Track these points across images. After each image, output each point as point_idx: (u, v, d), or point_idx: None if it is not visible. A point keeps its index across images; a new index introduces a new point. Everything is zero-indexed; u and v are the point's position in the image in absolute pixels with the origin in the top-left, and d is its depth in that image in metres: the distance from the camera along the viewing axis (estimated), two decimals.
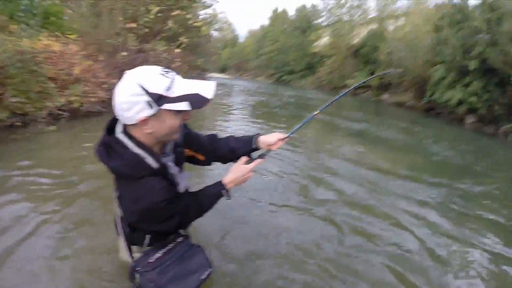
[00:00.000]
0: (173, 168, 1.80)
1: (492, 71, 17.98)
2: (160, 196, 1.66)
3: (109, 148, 1.68)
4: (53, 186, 4.65)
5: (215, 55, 26.30)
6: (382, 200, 5.16)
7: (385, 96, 29.97)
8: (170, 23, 14.12)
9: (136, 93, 1.51)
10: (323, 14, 47.36)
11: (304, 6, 54.00)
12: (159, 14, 13.97)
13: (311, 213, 4.44)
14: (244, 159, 2.13)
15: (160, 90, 1.53)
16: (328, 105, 2.66)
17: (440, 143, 10.89)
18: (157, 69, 1.59)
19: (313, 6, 52.56)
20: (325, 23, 46.78)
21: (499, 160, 10.09)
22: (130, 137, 1.68)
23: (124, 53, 12.70)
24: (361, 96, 32.33)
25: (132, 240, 2.03)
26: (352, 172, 6.51)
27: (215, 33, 23.71)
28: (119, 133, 1.69)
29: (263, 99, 20.51)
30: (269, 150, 2.28)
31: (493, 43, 17.68)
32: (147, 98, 1.52)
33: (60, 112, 9.14)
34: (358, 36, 39.26)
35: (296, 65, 47.84)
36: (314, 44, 47.16)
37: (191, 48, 17.90)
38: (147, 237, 1.99)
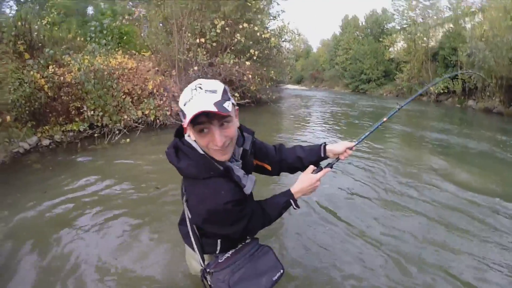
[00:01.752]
0: (238, 170, 1.76)
1: None
2: (226, 197, 1.65)
3: (178, 150, 1.73)
4: (128, 192, 5.06)
5: (288, 66, 26.13)
6: (468, 229, 4.15)
7: (470, 102, 26.46)
8: (238, 36, 14.24)
9: (181, 102, 1.57)
10: (395, 17, 44.96)
11: (374, 11, 51.97)
12: (226, 28, 14.20)
13: (390, 249, 3.66)
14: (311, 168, 2.06)
15: (181, 104, 1.57)
16: (396, 112, 2.52)
17: None
18: (196, 82, 1.59)
19: (384, 10, 50.20)
20: (398, 27, 44.45)
21: None
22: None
23: (195, 68, 12.99)
24: (444, 104, 29.39)
25: (203, 248, 2.02)
26: (437, 192, 5.44)
27: (287, 45, 23.50)
28: (187, 136, 1.74)
29: (339, 110, 20.02)
30: (337, 159, 2.20)
31: None
32: (180, 109, 1.59)
33: (136, 125, 9.71)
34: (434, 38, 36.83)
35: (372, 73, 45.06)
36: (388, 50, 45.20)
37: (262, 61, 17.95)
38: (219, 242, 1.99)
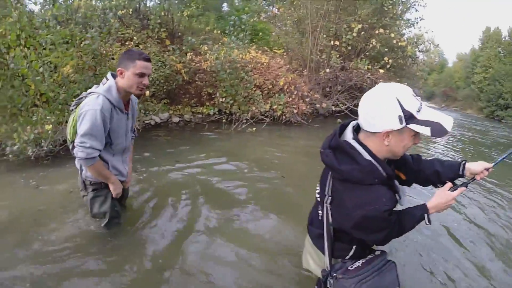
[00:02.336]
0: (395, 181, 1.85)
1: None
2: (386, 205, 1.69)
3: (339, 152, 1.78)
4: (254, 174, 5.37)
5: (422, 79, 24.56)
6: None
7: None
8: (373, 42, 13.61)
9: (393, 106, 1.59)
10: None
11: None
12: (362, 33, 13.69)
13: None
14: (449, 185, 1.98)
15: (413, 109, 1.60)
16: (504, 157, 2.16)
17: None
18: (409, 90, 1.66)
19: None
20: None
21: None
22: (361, 144, 1.74)
23: (327, 70, 12.66)
24: None
25: (334, 252, 2.04)
26: None
27: (421, 56, 22.10)
28: (350, 139, 1.77)
29: (468, 134, 18.12)
30: (472, 179, 2.06)
31: None
32: (400, 113, 1.59)
33: (262, 117, 9.97)
34: None
35: None
36: None
37: (395, 70, 17.04)
38: (354, 248, 2.01)
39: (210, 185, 4.69)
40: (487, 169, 2.04)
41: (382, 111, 1.61)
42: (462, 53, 64.50)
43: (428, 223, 1.89)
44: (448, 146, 11.84)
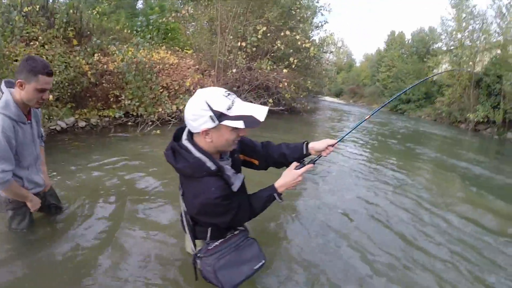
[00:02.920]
0: (229, 170, 2.05)
1: None
2: (216, 193, 1.94)
3: (176, 152, 2.02)
4: (150, 182, 5.26)
5: (326, 78, 25.85)
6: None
7: (510, 135, 25.68)
8: (278, 43, 14.42)
9: (203, 108, 1.82)
10: (442, 37, 42.62)
11: (421, 29, 50.51)
12: (268, 34, 14.40)
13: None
14: (294, 164, 2.28)
15: (222, 108, 1.83)
16: (379, 109, 2.81)
17: None
18: (221, 91, 1.90)
19: (432, 30, 47.56)
20: (444, 48, 42.47)
21: None
22: (193, 143, 1.99)
23: (234, 70, 13.29)
24: (482, 134, 27.93)
25: (195, 234, 2.32)
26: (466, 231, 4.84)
27: (329, 56, 23.32)
28: (184, 140, 2.01)
29: (373, 127, 19.65)
30: (319, 156, 2.37)
31: None
32: (211, 113, 1.82)
33: (169, 118, 9.99)
34: (481, 63, 35.20)
35: (413, 94, 42.60)
36: (432, 71, 43.55)
37: (300, 70, 18.07)
38: (209, 230, 2.26)
39: (117, 184, 4.94)
40: (331, 145, 2.34)
41: (194, 113, 1.84)
42: (369, 54, 68.74)
43: (280, 201, 2.22)
44: (352, 139, 12.45)
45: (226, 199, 1.98)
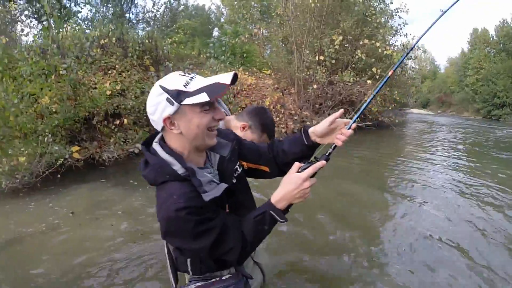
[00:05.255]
0: (204, 176, 1.53)
1: None
2: (178, 202, 1.40)
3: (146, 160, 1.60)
4: None
5: (413, 87, 24.51)
6: None
7: None
8: (358, 53, 13.70)
9: (158, 93, 1.44)
10: None
11: (504, 21, 45.06)
12: (346, 45, 13.79)
13: None
14: (296, 166, 1.56)
15: (178, 86, 1.43)
16: (383, 84, 1.86)
17: None
18: (177, 72, 1.52)
19: None
20: None
21: None
22: (163, 145, 1.56)
23: (315, 86, 12.73)
24: None
25: (176, 265, 1.76)
26: None
27: (412, 64, 22.11)
28: (154, 143, 1.59)
29: (466, 137, 18.20)
30: (333, 147, 1.64)
31: None
32: (166, 95, 1.43)
33: None
34: None
35: (507, 96, 39.34)
36: None
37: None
38: (188, 261, 1.67)
39: None
40: (345, 127, 1.66)
41: (152, 104, 1.46)
42: (452, 58, 64.62)
43: (282, 221, 1.54)
44: (444, 151, 11.76)
45: (197, 214, 1.42)
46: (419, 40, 2.02)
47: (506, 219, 4.97)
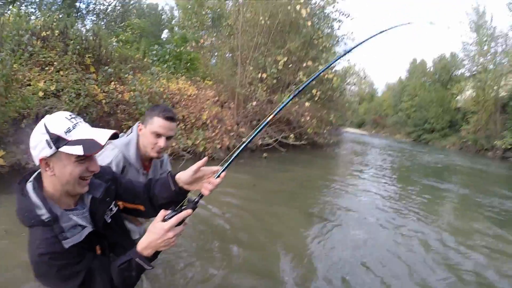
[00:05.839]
0: (69, 220, 1.54)
1: None
2: (40, 248, 1.45)
3: None
4: None
5: (350, 110, 25.45)
6: None
7: None
8: (300, 75, 14.09)
9: (41, 131, 1.46)
10: (464, 63, 41.92)
11: (443, 56, 49.62)
12: (290, 65, 14.10)
13: None
14: (162, 213, 1.54)
15: (60, 131, 1.46)
16: (283, 106, 1.99)
17: None
18: (66, 114, 1.53)
19: (453, 55, 47.24)
20: (467, 74, 41.83)
21: None
22: (36, 185, 1.55)
23: (254, 103, 12.92)
24: (511, 161, 27.17)
25: None
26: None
27: (352, 87, 22.98)
28: (28, 182, 1.56)
29: (396, 160, 19.33)
30: (200, 196, 1.65)
31: None
32: (47, 137, 1.45)
33: (183, 153, 9.53)
34: (506, 87, 34.26)
35: (437, 123, 43.15)
36: (456, 98, 43.04)
37: (324, 102, 17.44)
38: None
39: None
40: (213, 173, 1.67)
41: (34, 139, 1.48)
42: (390, 84, 68.56)
43: (148, 268, 1.55)
44: (375, 173, 12.64)
45: (58, 259, 1.46)
46: (322, 71, 2.12)
47: (422, 245, 5.51)
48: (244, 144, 1.75)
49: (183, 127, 10.04)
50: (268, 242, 4.99)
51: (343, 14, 16.94)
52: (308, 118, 14.06)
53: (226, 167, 1.67)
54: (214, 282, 3.63)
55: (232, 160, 1.69)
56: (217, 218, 5.41)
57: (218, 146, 10.47)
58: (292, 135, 13.68)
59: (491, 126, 32.76)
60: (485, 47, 35.55)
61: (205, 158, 1.65)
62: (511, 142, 28.62)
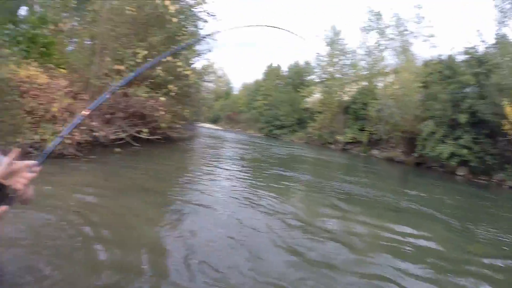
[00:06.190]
0: None
1: (482, 123, 19.77)
2: None
3: None
4: None
5: (206, 106, 26.21)
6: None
7: (375, 152, 32.64)
8: (159, 70, 14.24)
9: None
10: (315, 70, 49.38)
11: (297, 63, 56.88)
12: (148, 59, 14.05)
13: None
14: None
15: None
16: (101, 102, 2.17)
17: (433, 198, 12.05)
18: None
19: (307, 63, 55.21)
20: (317, 80, 48.70)
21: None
22: None
23: (107, 96, 12.59)
24: (351, 152, 34.82)
25: None
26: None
27: (210, 84, 23.74)
28: None
29: (249, 152, 20.79)
30: (14, 192, 1.49)
31: (482, 96, 19.78)
32: None
33: (30, 150, 8.72)
34: (349, 93, 42.21)
35: (287, 120, 49.16)
36: (305, 100, 48.84)
37: (180, 97, 17.77)
38: None
39: None
40: (28, 167, 1.52)
41: None
42: (247, 83, 72.98)
43: None
44: (229, 164, 14.04)
45: None
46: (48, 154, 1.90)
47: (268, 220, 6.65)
48: (60, 139, 1.91)
49: (31, 120, 9.38)
50: (128, 236, 5.11)
51: (209, 14, 17.63)
52: (162, 113, 14.36)
53: (41, 162, 1.63)
54: (79, 283, 3.70)
55: (48, 154, 1.70)
56: (75, 217, 5.32)
57: (68, 141, 9.59)
58: (146, 130, 13.83)
59: (334, 124, 39.32)
60: (335, 59, 43.59)
61: (17, 150, 1.49)
62: (351, 137, 36.20)
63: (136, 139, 13.71)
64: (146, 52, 13.58)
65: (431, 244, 6.89)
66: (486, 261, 6.44)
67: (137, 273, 3.99)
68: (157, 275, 4.07)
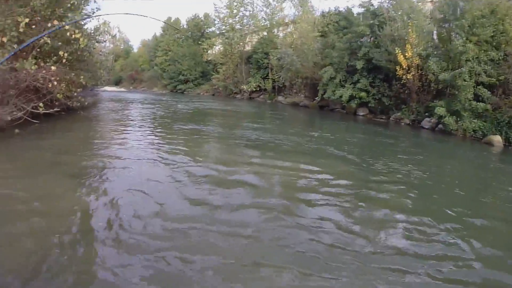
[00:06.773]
0: None
1: (378, 69, 22.22)
2: None
3: None
4: None
5: (103, 68, 24.71)
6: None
7: (280, 98, 34.47)
8: (45, 37, 12.94)
9: None
10: (215, 23, 48.51)
11: (196, 15, 54.75)
12: (33, 26, 12.86)
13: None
14: None
15: None
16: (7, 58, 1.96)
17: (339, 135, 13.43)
18: None
19: (206, 15, 53.63)
20: (217, 32, 48.02)
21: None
22: None
23: None
24: (257, 100, 36.96)
25: None
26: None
27: (107, 44, 22.34)
28: None
29: (154, 111, 20.40)
30: None
31: (377, 45, 22.19)
32: None
33: None
34: (250, 43, 42.80)
35: (190, 74, 48.58)
36: (207, 52, 48.18)
37: (72, 64, 16.57)
38: None
39: None
40: None
41: None
42: (145, 40, 70.28)
43: None
44: (137, 126, 14.07)
45: None
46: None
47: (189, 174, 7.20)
48: None
49: None
50: (45, 211, 5.17)
51: None
52: (55, 83, 13.27)
53: None
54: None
55: None
56: None
57: None
58: (41, 104, 12.87)
59: (238, 74, 39.85)
60: (235, 11, 43.45)
61: None
62: (255, 86, 37.82)
63: (35, 116, 12.65)
64: (27, 20, 12.12)
65: (334, 178, 7.67)
66: (383, 186, 7.34)
67: (61, 246, 4.16)
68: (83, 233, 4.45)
